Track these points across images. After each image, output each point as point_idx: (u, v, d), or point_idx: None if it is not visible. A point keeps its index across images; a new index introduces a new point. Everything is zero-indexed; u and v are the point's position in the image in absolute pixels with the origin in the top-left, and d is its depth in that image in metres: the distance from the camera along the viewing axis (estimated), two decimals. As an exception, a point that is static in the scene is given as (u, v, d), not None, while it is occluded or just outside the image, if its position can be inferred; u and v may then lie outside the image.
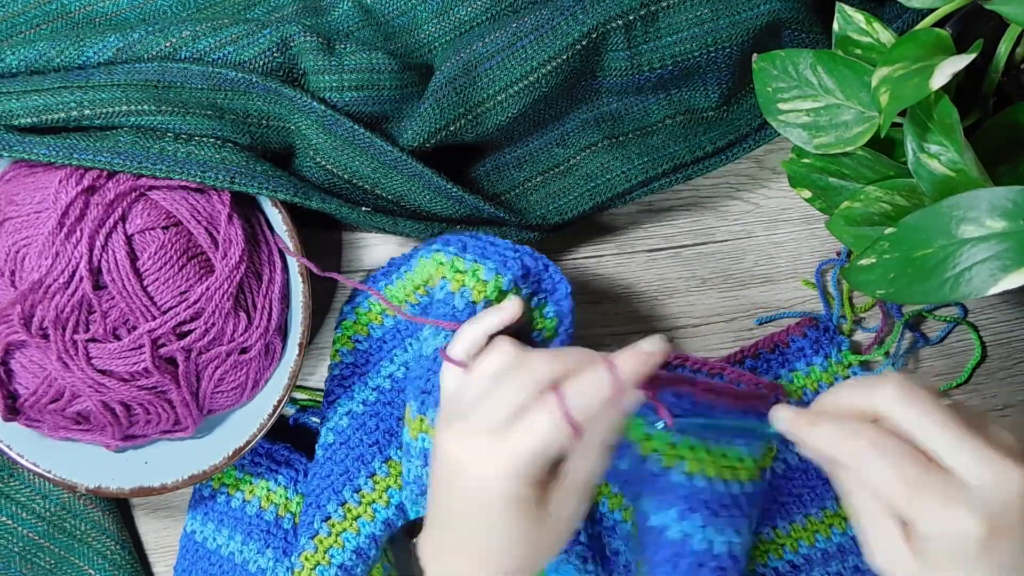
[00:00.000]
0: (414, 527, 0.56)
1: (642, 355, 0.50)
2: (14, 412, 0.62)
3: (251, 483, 0.67)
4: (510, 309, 0.57)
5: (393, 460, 0.65)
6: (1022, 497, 0.44)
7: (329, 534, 0.63)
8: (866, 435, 0.46)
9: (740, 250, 0.70)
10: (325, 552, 0.63)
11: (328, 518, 0.64)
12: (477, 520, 0.50)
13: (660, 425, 0.54)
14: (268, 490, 0.67)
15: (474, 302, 0.59)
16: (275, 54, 0.63)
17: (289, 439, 0.69)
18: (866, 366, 0.69)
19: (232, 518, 0.67)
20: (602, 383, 0.50)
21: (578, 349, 0.53)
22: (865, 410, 0.48)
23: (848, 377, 0.68)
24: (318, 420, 0.68)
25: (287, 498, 0.67)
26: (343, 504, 0.64)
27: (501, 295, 0.59)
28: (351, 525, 0.63)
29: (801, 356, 0.68)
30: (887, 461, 0.45)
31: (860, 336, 0.70)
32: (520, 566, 0.51)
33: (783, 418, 0.50)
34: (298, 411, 0.69)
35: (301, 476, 0.67)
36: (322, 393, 0.70)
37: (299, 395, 0.70)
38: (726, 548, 0.60)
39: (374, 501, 0.64)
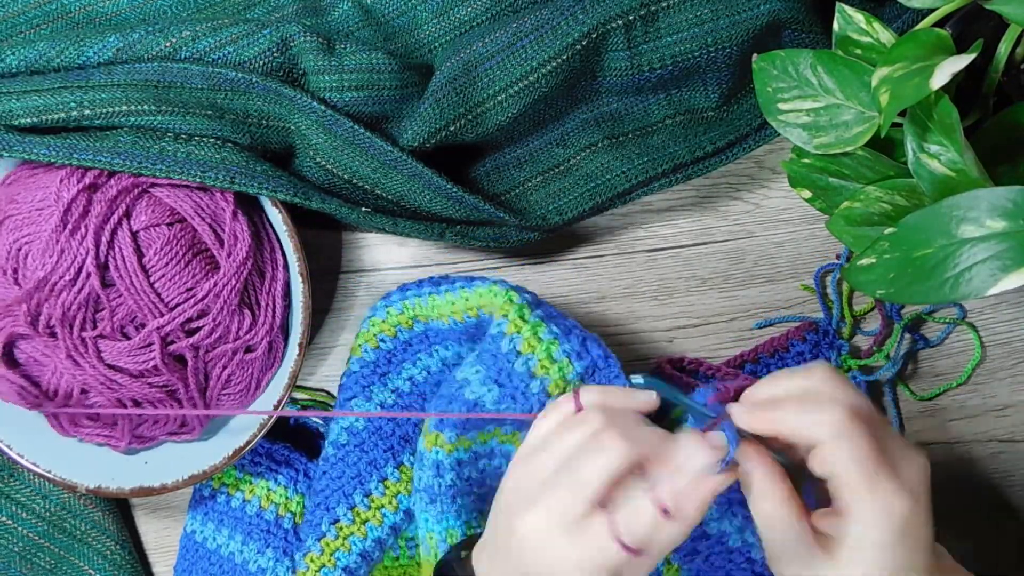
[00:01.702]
0: (462, 545, 0.56)
1: (715, 439, 0.50)
2: (38, 403, 0.62)
3: (251, 483, 0.67)
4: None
5: (405, 466, 0.64)
6: (927, 480, 0.49)
7: (336, 537, 0.63)
8: (837, 414, 0.49)
9: (740, 250, 0.70)
10: (331, 555, 0.63)
11: (336, 521, 0.63)
12: None
13: (639, 380, 0.53)
14: (268, 490, 0.67)
15: (520, 352, 0.58)
16: (275, 54, 0.63)
17: (289, 439, 0.69)
18: (866, 370, 0.69)
19: (232, 518, 0.67)
20: (702, 477, 0.49)
21: (663, 435, 0.51)
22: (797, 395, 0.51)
23: None
24: (319, 420, 0.68)
25: (287, 498, 0.67)
26: (352, 508, 0.64)
27: (548, 362, 0.58)
28: (359, 529, 0.63)
29: (800, 360, 0.68)
30: (857, 442, 0.48)
31: (859, 340, 0.70)
32: None
33: (741, 410, 0.52)
34: (299, 410, 0.69)
35: (301, 476, 0.67)
36: (322, 393, 0.70)
37: (299, 395, 0.70)
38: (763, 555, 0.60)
39: (383, 506, 0.64)
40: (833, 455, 0.49)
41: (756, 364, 0.68)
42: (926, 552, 0.49)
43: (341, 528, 0.63)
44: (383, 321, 0.67)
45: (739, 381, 0.65)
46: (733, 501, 0.61)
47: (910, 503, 0.48)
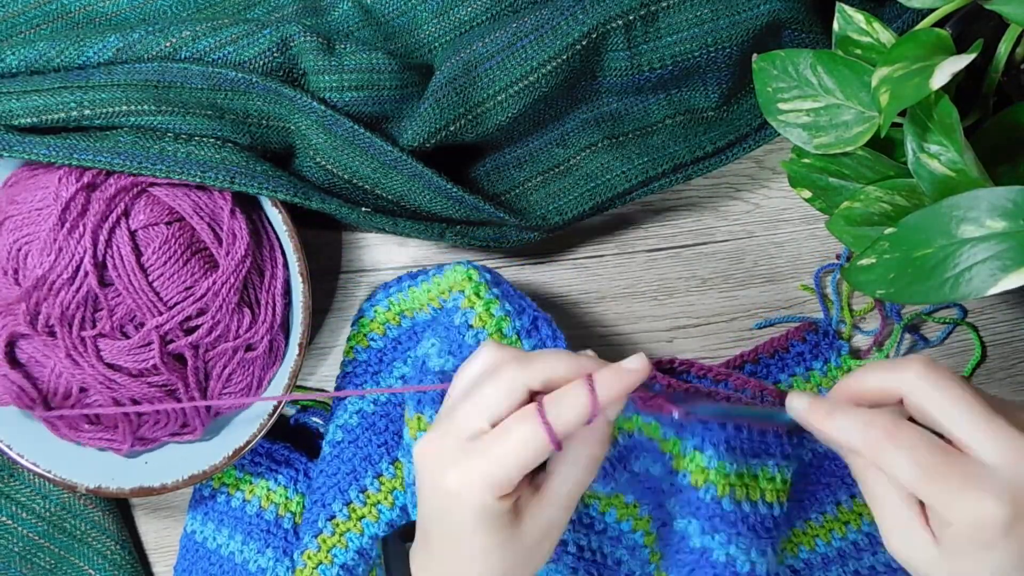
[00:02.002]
0: (406, 530, 0.56)
1: (622, 372, 0.48)
2: (47, 406, 0.62)
3: (251, 483, 0.67)
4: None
5: (400, 462, 0.65)
6: None
7: (333, 533, 0.63)
8: (881, 424, 0.45)
9: (740, 250, 0.70)
10: (328, 551, 0.63)
11: (333, 517, 0.63)
12: (451, 536, 0.48)
13: (675, 415, 0.51)
14: (268, 490, 0.67)
15: (472, 326, 0.59)
16: (275, 54, 0.63)
17: (289, 439, 0.69)
18: (865, 369, 0.69)
19: (232, 518, 0.67)
20: (581, 400, 0.47)
21: (558, 354, 0.49)
22: (889, 391, 0.47)
23: None
24: (319, 420, 0.68)
25: (287, 498, 0.67)
26: (348, 504, 0.64)
27: (499, 336, 0.59)
28: (355, 525, 0.63)
29: (800, 361, 0.68)
30: (903, 449, 0.44)
31: (859, 340, 0.70)
32: None
33: (799, 407, 0.49)
34: (298, 411, 0.69)
35: (301, 476, 0.67)
36: (323, 393, 0.70)
37: (298, 395, 0.70)
38: (749, 568, 0.60)
39: (379, 502, 0.64)
40: (888, 464, 0.45)
41: (756, 364, 0.68)
42: None
43: (338, 525, 0.63)
44: (372, 320, 0.68)
45: (734, 380, 0.65)
46: (714, 518, 0.61)
47: (1002, 509, 0.42)
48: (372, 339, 0.67)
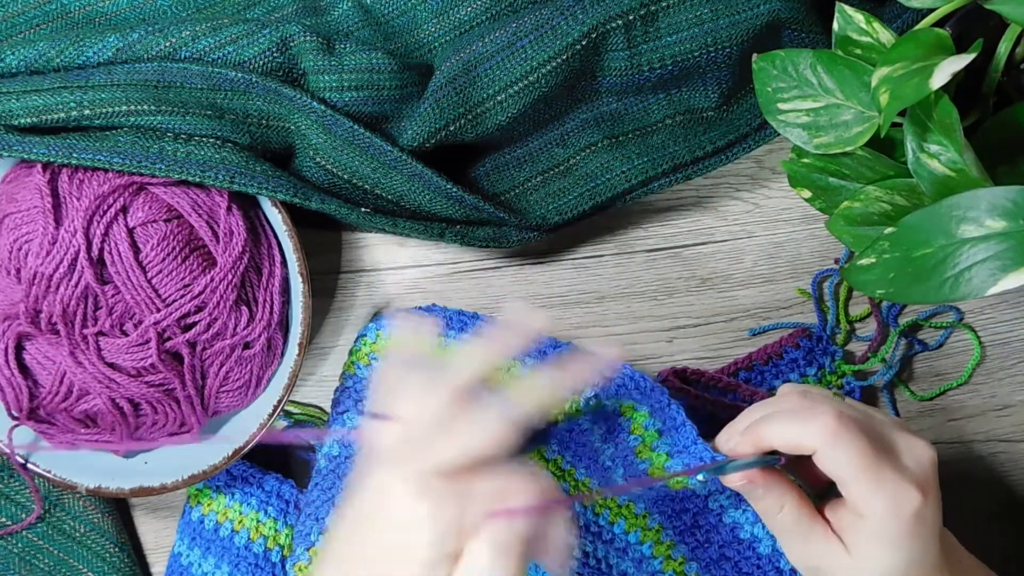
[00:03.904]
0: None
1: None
2: (33, 413, 0.62)
3: (240, 512, 0.67)
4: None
5: None
6: (935, 468, 0.51)
7: None
8: (828, 417, 0.50)
9: (740, 250, 0.70)
10: None
11: (324, 531, 0.63)
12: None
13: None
14: (258, 521, 0.66)
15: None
16: (275, 54, 0.63)
17: (279, 467, 0.68)
18: (861, 375, 0.69)
19: (220, 547, 0.66)
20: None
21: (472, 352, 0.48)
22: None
23: (842, 387, 0.68)
24: (312, 438, 0.68)
25: (276, 530, 0.66)
26: None
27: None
28: None
29: (794, 367, 0.68)
30: (850, 441, 0.49)
31: (857, 346, 0.70)
32: None
33: (726, 437, 0.53)
34: (291, 424, 0.69)
35: (291, 508, 0.66)
36: (316, 409, 0.70)
37: (292, 409, 0.69)
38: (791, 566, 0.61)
39: None
40: (831, 458, 0.50)
41: (750, 371, 0.68)
42: (936, 542, 0.50)
43: None
44: (373, 343, 0.67)
45: (742, 392, 0.65)
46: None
47: (918, 496, 0.49)
48: (373, 358, 0.67)
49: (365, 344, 0.67)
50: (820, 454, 0.50)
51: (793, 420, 0.52)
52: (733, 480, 0.53)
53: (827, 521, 0.52)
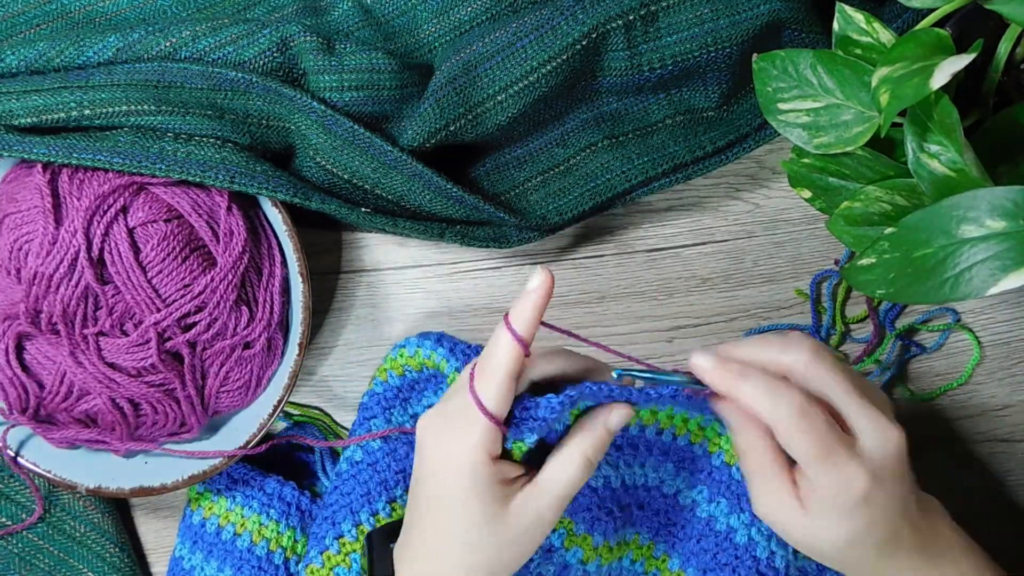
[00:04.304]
0: (392, 529, 0.56)
1: (525, 297, 0.50)
2: (35, 414, 0.62)
3: (243, 516, 0.67)
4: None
5: None
6: (898, 455, 0.51)
7: (338, 552, 0.63)
8: (795, 400, 0.50)
9: (740, 250, 0.70)
10: (331, 569, 0.63)
11: (340, 536, 0.63)
12: (439, 508, 0.51)
13: (615, 375, 0.53)
14: (260, 524, 0.66)
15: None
16: (275, 54, 0.63)
17: (282, 469, 0.68)
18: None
19: (222, 551, 0.66)
20: (502, 340, 0.50)
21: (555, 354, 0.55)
22: (778, 370, 0.52)
23: None
24: (311, 446, 0.68)
25: (279, 532, 0.66)
26: (357, 526, 0.63)
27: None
28: (361, 547, 0.63)
29: None
30: (811, 426, 0.50)
31: (849, 348, 0.70)
32: (480, 562, 0.51)
33: (704, 365, 0.52)
34: (291, 426, 0.69)
35: (293, 510, 0.66)
36: (315, 410, 0.70)
37: (291, 410, 0.69)
38: (767, 555, 0.61)
39: None
40: (791, 437, 0.50)
41: None
42: (894, 522, 0.51)
43: (344, 544, 0.63)
44: (411, 356, 0.68)
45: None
46: (741, 497, 0.61)
47: (867, 482, 0.50)
48: (408, 369, 0.68)
49: (402, 355, 0.67)
50: (783, 429, 0.50)
51: (771, 343, 0.52)
52: (714, 402, 0.53)
53: (794, 482, 0.53)
